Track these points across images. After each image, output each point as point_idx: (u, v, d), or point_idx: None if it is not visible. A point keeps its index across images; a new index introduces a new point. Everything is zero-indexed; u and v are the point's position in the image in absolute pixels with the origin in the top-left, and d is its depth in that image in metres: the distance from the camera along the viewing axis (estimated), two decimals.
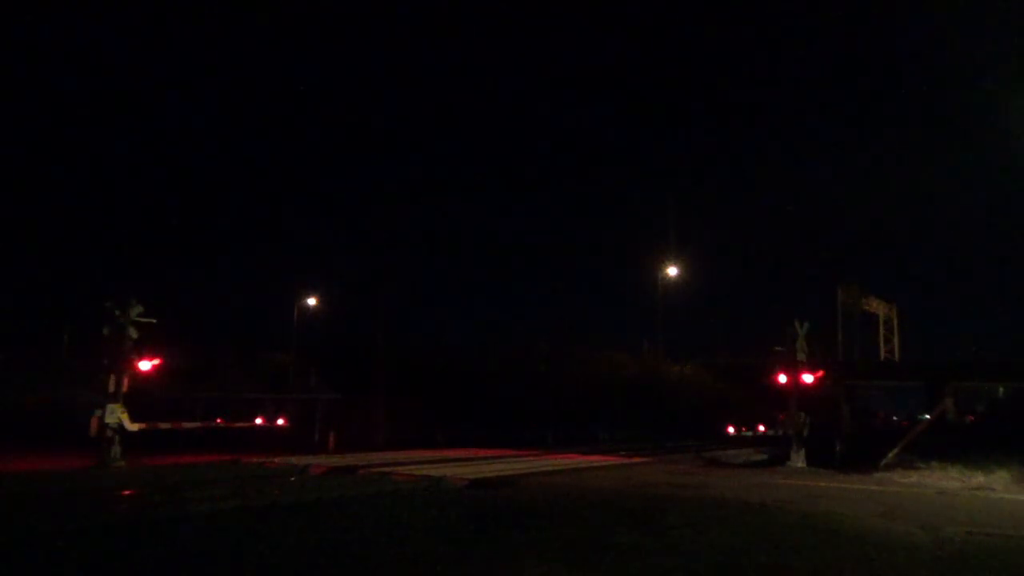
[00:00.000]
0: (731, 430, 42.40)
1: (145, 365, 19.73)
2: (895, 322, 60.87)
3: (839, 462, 22.79)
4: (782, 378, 23.62)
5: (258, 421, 29.15)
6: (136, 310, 20.01)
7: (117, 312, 19.80)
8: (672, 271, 39.35)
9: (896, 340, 60.50)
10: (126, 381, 19.77)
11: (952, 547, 9.69)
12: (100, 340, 19.76)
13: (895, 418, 69.75)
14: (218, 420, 26.73)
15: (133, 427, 19.74)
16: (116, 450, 19.24)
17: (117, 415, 19.28)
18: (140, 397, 21.12)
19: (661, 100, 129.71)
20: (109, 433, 19.16)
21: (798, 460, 22.62)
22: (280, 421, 29.42)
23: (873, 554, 9.10)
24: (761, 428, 42.59)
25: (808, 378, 23.17)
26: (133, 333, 19.85)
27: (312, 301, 41.62)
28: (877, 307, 59.37)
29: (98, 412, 19.16)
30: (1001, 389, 37.62)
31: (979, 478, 18.45)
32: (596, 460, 24.24)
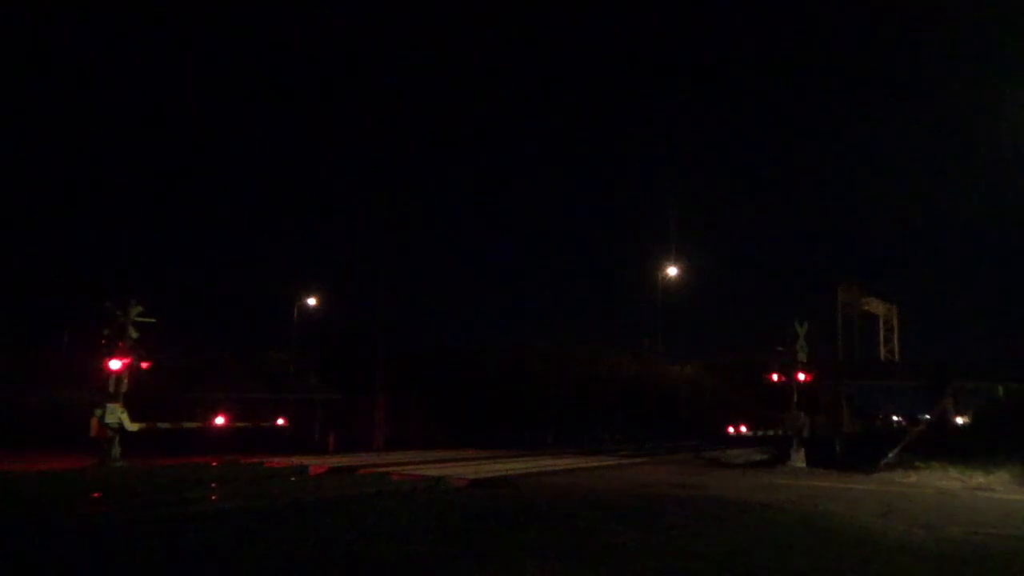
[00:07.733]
0: (731, 430, 42.48)
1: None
2: (895, 322, 60.87)
3: (839, 462, 22.81)
4: (778, 377, 23.66)
5: (258, 421, 29.11)
6: (136, 310, 20.01)
7: (117, 312, 19.80)
8: (672, 271, 39.31)
9: (896, 340, 60.50)
10: (126, 381, 19.78)
11: (952, 547, 9.68)
12: (100, 340, 19.76)
13: (895, 418, 69.79)
14: (218, 420, 26.70)
15: (133, 427, 19.75)
16: (116, 450, 19.26)
17: (117, 415, 19.28)
18: (140, 397, 21.10)
19: (663, 100, 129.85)
20: (109, 433, 19.16)
21: (798, 460, 22.64)
22: (280, 421, 29.39)
23: (873, 554, 9.10)
24: (760, 428, 42.65)
25: (804, 377, 23.25)
26: (133, 333, 19.86)
27: (312, 301, 41.58)
28: (877, 307, 59.37)
29: (98, 412, 19.16)
30: (1001, 389, 37.62)
31: (979, 478, 18.42)
32: (596, 460, 24.25)
